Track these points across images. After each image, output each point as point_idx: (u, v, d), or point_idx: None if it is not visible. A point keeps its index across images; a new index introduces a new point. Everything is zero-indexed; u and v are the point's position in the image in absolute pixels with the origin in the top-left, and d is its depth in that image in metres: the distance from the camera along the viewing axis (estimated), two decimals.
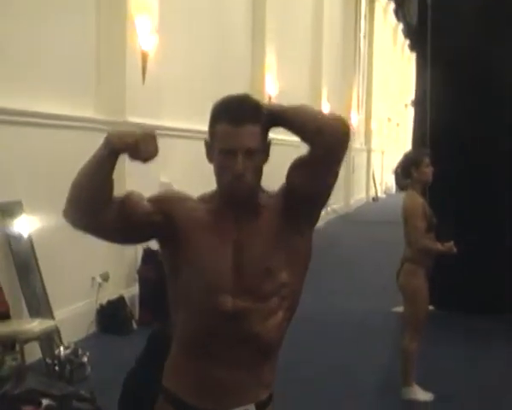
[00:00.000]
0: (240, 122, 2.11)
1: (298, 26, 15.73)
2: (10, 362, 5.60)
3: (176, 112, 8.98)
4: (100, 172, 2.08)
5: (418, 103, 8.91)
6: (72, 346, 5.84)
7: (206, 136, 2.22)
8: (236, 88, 11.61)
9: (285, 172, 2.22)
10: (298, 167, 2.18)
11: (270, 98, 12.79)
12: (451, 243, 5.36)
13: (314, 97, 17.20)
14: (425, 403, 5.46)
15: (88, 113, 7.25)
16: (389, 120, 33.91)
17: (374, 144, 27.95)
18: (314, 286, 9.56)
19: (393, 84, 34.94)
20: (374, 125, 27.82)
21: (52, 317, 6.04)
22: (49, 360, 5.74)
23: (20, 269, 5.96)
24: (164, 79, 8.38)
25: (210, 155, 2.21)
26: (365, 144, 26.41)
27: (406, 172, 5.55)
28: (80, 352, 5.82)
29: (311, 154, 2.16)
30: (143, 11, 7.80)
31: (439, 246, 5.39)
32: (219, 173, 2.16)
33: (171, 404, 2.21)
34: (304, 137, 2.16)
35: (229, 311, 2.11)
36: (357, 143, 23.36)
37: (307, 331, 7.53)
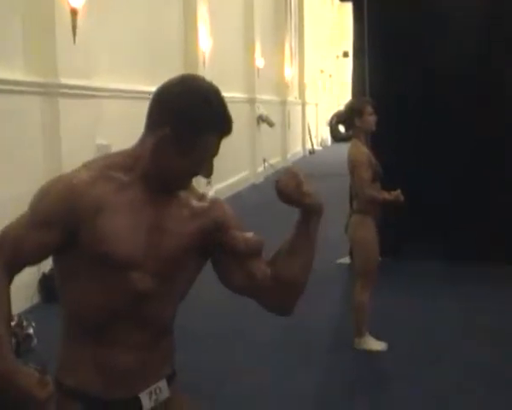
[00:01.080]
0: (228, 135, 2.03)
1: None
2: None
3: (109, 71, 8.74)
4: None
5: (356, 54, 8.80)
6: (16, 318, 5.64)
7: (167, 129, 1.94)
8: (170, 46, 11.39)
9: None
10: (249, 253, 2.11)
11: (203, 55, 12.58)
12: (398, 192, 5.35)
13: (248, 52, 17.04)
14: (378, 352, 5.48)
15: (17, 75, 6.95)
16: (322, 71, 33.92)
17: (308, 97, 27.95)
18: None
19: (324, 35, 34.88)
20: (307, 78, 27.77)
21: None
22: None
23: None
24: (95, 38, 8.11)
25: (169, 149, 1.95)
26: (299, 97, 26.38)
27: (349, 121, 5.49)
28: (25, 323, 5.64)
29: (263, 276, 2.10)
30: None
31: (385, 195, 5.37)
32: (189, 173, 2.01)
33: (74, 400, 2.03)
34: (288, 270, 2.09)
35: (137, 289, 1.98)
36: (291, 96, 23.29)
37: None
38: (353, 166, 5.39)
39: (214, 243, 2.11)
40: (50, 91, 7.25)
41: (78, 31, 7.61)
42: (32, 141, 7.09)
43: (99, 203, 1.92)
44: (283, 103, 21.67)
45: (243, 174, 16.07)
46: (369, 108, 5.46)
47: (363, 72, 8.38)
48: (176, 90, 1.98)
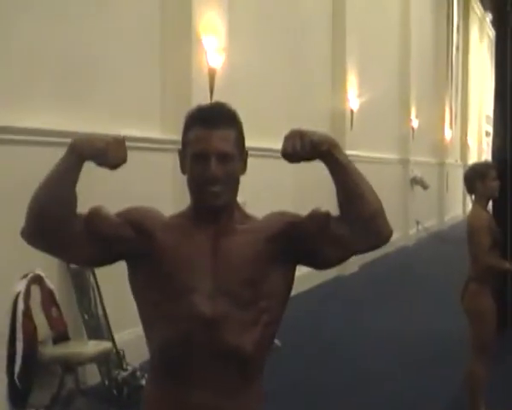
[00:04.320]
0: (212, 125, 2.06)
1: (382, 39, 15.38)
2: (71, 383, 5.61)
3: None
4: (65, 181, 1.97)
5: (497, 99, 8.33)
6: (131, 368, 5.79)
7: (179, 147, 2.17)
8: (313, 106, 11.46)
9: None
10: (320, 225, 2.06)
11: (352, 112, 12.56)
12: None
13: (402, 113, 16.86)
14: None
15: (154, 134, 7.27)
16: (488, 134, 32.91)
17: (471, 160, 27.14)
18: (393, 306, 9.39)
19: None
20: (470, 140, 27.02)
21: (111, 338, 6.00)
22: (107, 382, 5.71)
23: (80, 291, 5.98)
24: (233, 99, 8.29)
25: (183, 165, 2.15)
26: (461, 160, 25.68)
27: (471, 185, 5.26)
28: (139, 374, 5.76)
29: (342, 229, 2.04)
30: (210, 32, 7.75)
31: (506, 264, 5.10)
32: (192, 180, 2.08)
33: None
34: (348, 207, 2.03)
35: (205, 314, 1.98)
36: (450, 158, 22.74)
37: (382, 351, 7.31)
38: (472, 231, 5.13)
39: (291, 248, 2.08)
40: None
41: (214, 91, 7.84)
42: (163, 194, 7.33)
43: (169, 234, 2.07)
44: (441, 165, 21.16)
45: (394, 236, 15.69)
46: (492, 173, 5.21)
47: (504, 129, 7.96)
48: None
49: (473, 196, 5.36)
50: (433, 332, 7.97)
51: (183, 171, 2.14)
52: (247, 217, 2.16)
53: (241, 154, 2.12)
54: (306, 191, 10.62)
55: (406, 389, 6.13)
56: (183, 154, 2.14)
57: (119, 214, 2.11)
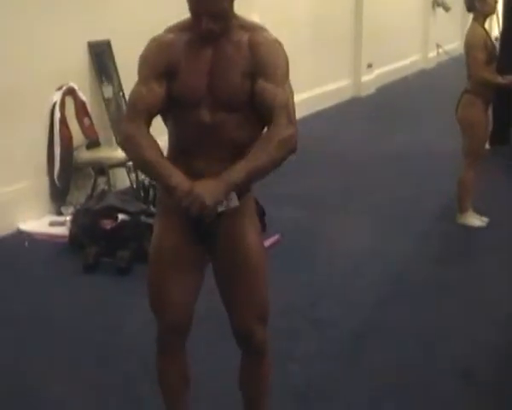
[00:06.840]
0: None
1: None
2: (103, 185, 6.26)
3: None
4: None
5: None
6: None
7: None
8: None
9: None
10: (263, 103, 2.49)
11: None
12: None
13: None
14: (478, 228, 5.73)
15: None
16: None
17: None
18: (406, 126, 9.77)
19: None
20: None
21: None
22: (135, 186, 6.32)
23: (109, 102, 6.52)
24: None
25: None
26: None
27: (470, 3, 5.60)
28: None
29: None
30: None
31: (499, 79, 5.49)
32: (189, 9, 2.45)
33: (171, 213, 2.64)
34: None
35: (206, 121, 2.51)
36: None
37: (386, 165, 7.84)
38: (468, 46, 5.56)
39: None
40: None
41: None
42: None
43: (179, 56, 2.51)
44: None
45: (412, 58, 15.91)
46: None
47: None
48: None
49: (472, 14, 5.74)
50: (440, 149, 8.43)
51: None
52: (246, 29, 2.54)
53: None
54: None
55: (402, 198, 6.70)
56: None
57: (150, 76, 2.51)
